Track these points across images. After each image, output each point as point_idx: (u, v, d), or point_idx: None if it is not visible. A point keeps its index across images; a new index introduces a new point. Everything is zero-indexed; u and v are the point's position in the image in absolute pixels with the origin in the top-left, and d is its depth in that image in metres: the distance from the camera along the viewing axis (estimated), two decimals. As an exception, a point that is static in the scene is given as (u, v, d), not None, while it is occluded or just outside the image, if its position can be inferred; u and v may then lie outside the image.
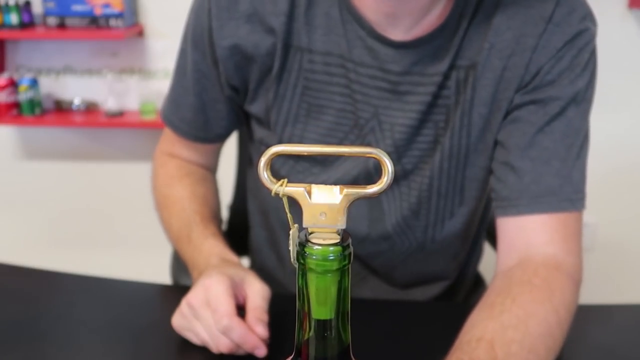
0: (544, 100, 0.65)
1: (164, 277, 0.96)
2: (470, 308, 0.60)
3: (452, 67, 0.66)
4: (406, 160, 0.71)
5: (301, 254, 0.29)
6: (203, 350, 0.63)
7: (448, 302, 0.85)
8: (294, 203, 0.29)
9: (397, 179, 0.72)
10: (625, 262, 1.83)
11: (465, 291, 0.89)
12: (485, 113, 0.68)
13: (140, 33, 1.91)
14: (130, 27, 1.86)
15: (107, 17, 1.81)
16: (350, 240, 0.29)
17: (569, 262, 0.64)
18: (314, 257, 0.28)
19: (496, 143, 0.69)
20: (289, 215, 0.29)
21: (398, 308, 0.75)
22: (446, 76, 0.66)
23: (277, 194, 0.29)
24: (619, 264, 1.80)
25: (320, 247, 0.28)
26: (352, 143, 0.70)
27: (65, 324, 0.69)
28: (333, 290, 0.29)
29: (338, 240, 0.29)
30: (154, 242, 1.85)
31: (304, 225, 0.29)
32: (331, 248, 0.28)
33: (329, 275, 0.29)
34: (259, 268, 0.89)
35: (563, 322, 0.58)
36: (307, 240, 0.29)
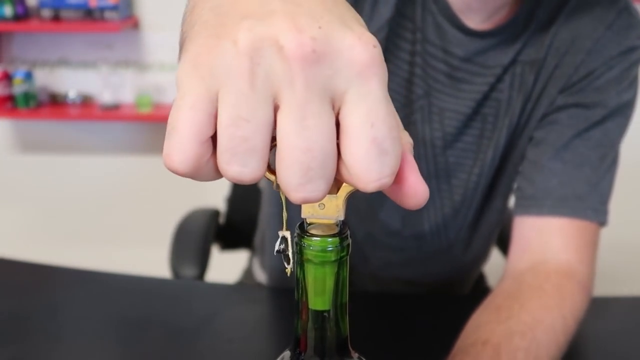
0: (588, 105, 0.65)
1: (162, 270, 0.96)
2: (471, 301, 0.60)
3: (514, 61, 0.66)
4: (451, 152, 0.70)
5: (299, 244, 0.29)
6: (202, 343, 0.63)
7: (449, 295, 0.85)
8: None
9: (438, 174, 0.71)
10: (619, 256, 1.84)
11: (468, 287, 0.89)
12: (529, 109, 0.67)
13: (136, 25, 1.90)
14: (125, 19, 1.84)
15: (102, 9, 1.80)
16: (348, 232, 0.29)
17: (582, 271, 0.63)
18: (312, 248, 0.28)
19: (529, 140, 0.69)
20: (284, 213, 0.29)
21: (398, 300, 0.75)
22: (506, 70, 0.66)
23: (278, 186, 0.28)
24: (613, 259, 1.81)
25: (318, 239, 0.28)
26: (402, 120, 0.67)
27: (62, 318, 0.69)
28: (331, 281, 0.29)
29: (336, 231, 0.29)
30: (151, 235, 1.85)
31: (302, 216, 0.28)
32: (329, 239, 0.28)
33: (327, 266, 0.29)
34: (270, 268, 0.87)
35: (569, 330, 0.57)
36: (305, 231, 0.29)
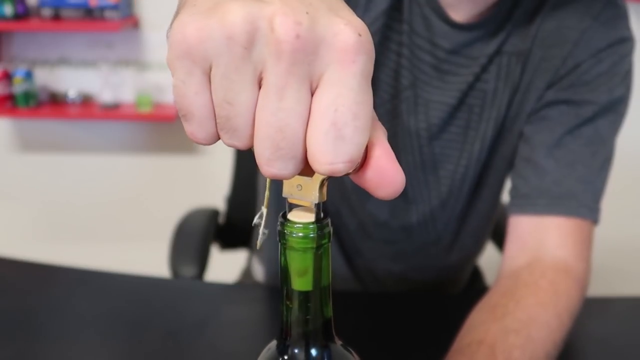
0: (577, 102, 0.65)
1: (161, 270, 0.96)
2: (466, 300, 0.60)
3: (498, 52, 0.66)
4: (437, 143, 0.70)
5: (281, 232, 0.29)
6: (201, 342, 0.63)
7: (445, 294, 0.85)
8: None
9: (424, 165, 0.71)
10: (616, 256, 1.84)
11: (463, 283, 0.89)
12: (518, 102, 0.67)
13: (136, 24, 1.90)
14: (125, 18, 1.84)
15: (102, 8, 1.80)
16: (329, 220, 0.29)
17: (579, 267, 0.63)
18: (294, 235, 0.29)
19: (520, 135, 0.68)
20: (267, 193, 0.30)
21: (392, 298, 0.75)
22: (490, 60, 0.66)
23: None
24: (611, 259, 1.81)
25: (300, 226, 0.29)
26: (390, 110, 0.67)
27: (61, 317, 0.69)
28: (313, 266, 0.30)
29: (317, 218, 0.29)
30: (150, 235, 1.85)
31: (283, 195, 0.29)
32: (310, 226, 0.29)
33: (309, 252, 0.29)
34: (268, 260, 0.88)
35: (564, 326, 0.57)
36: (287, 218, 0.29)
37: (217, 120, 0.25)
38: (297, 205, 0.29)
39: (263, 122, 0.24)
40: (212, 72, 0.25)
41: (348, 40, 0.24)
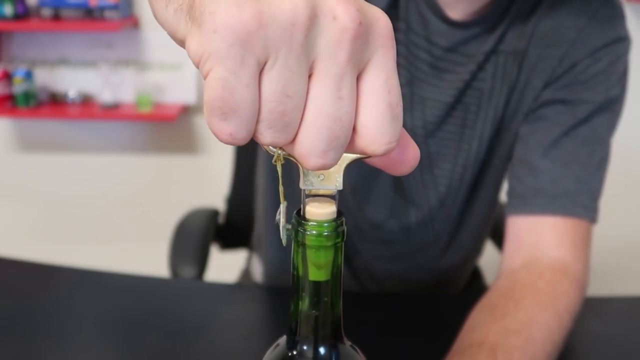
0: (574, 102, 0.65)
1: (161, 270, 0.96)
2: (467, 301, 0.60)
3: (494, 50, 0.66)
4: (432, 141, 0.70)
5: (296, 229, 0.29)
6: (201, 342, 0.62)
7: (444, 294, 0.85)
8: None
9: (421, 164, 0.70)
10: (616, 256, 1.83)
11: (462, 283, 0.89)
12: (515, 100, 0.67)
13: (136, 24, 1.90)
14: (125, 18, 1.84)
15: (102, 8, 1.80)
16: (344, 219, 0.29)
17: (576, 267, 0.63)
18: (309, 232, 0.29)
19: (516, 135, 0.68)
20: (281, 187, 0.29)
21: (393, 298, 0.75)
22: (487, 58, 0.66)
23: (277, 157, 0.28)
24: (611, 259, 1.81)
25: (314, 223, 0.29)
26: None
27: (61, 317, 0.69)
28: (326, 264, 0.30)
29: (333, 217, 0.29)
30: (150, 235, 1.85)
31: (301, 187, 0.28)
32: (325, 224, 0.29)
33: (322, 250, 0.29)
34: (266, 261, 0.88)
35: (564, 327, 0.57)
36: (302, 216, 0.29)
37: (267, 116, 0.23)
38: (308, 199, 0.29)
39: (321, 114, 0.24)
40: (270, 62, 0.23)
41: (388, 25, 0.25)
